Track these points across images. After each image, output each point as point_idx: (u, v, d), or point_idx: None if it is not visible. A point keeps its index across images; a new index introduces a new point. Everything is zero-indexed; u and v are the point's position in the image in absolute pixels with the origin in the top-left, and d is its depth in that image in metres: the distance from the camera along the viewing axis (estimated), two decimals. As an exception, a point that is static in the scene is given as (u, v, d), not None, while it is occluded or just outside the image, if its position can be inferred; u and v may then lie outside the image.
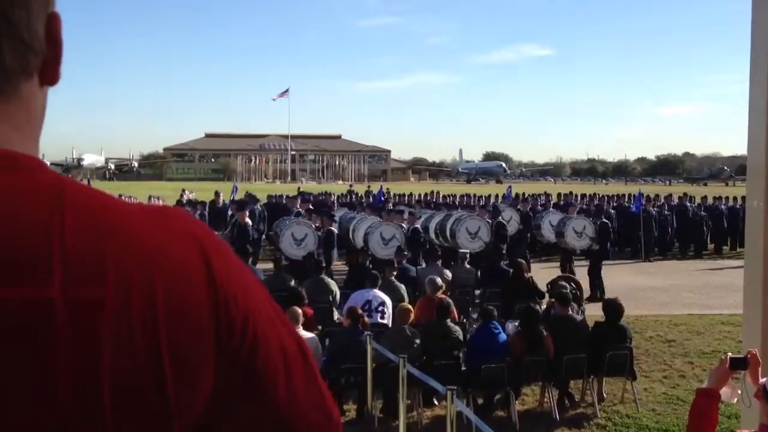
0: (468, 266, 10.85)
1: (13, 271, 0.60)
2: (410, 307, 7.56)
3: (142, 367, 0.64)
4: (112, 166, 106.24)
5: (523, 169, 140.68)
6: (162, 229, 0.69)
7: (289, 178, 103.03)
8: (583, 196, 27.24)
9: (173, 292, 0.66)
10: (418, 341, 6.89)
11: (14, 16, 0.68)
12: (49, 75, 0.73)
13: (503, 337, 7.09)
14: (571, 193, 26.67)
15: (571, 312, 7.67)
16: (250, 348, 0.70)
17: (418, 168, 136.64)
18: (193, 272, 0.68)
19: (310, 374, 0.76)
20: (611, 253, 15.20)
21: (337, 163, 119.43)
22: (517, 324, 7.39)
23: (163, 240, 0.68)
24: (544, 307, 8.64)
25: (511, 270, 9.97)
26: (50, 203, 0.64)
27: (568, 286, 8.98)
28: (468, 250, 11.75)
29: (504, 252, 13.32)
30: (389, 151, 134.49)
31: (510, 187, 20.76)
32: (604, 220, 14.92)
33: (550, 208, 19.59)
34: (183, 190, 23.70)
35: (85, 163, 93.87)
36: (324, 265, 9.91)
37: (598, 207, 21.11)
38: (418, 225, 14.37)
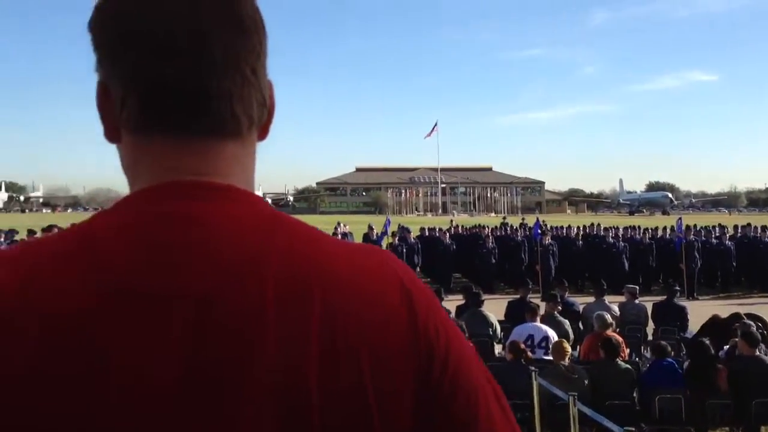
0: (638, 302, 10.27)
1: (227, 298, 0.65)
2: (565, 342, 7.19)
3: (348, 407, 0.65)
4: (269, 201, 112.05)
5: (693, 200, 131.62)
6: (366, 268, 0.72)
7: (440, 210, 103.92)
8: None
9: (376, 330, 0.68)
10: (576, 376, 6.55)
11: (258, 70, 0.76)
12: (263, 131, 0.81)
13: (679, 374, 6.63)
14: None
15: (758, 353, 6.99)
16: (449, 388, 0.71)
17: (575, 199, 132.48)
18: (395, 311, 0.70)
19: (507, 414, 0.76)
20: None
21: (488, 195, 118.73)
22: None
23: (367, 278, 0.71)
24: (727, 346, 7.92)
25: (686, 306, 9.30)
26: (264, 233, 0.69)
27: (754, 324, 8.18)
28: (636, 286, 11.10)
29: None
30: (543, 183, 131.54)
31: (680, 218, 19.22)
32: None
33: None
34: (338, 223, 24.50)
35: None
36: (483, 298, 9.71)
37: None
38: None
